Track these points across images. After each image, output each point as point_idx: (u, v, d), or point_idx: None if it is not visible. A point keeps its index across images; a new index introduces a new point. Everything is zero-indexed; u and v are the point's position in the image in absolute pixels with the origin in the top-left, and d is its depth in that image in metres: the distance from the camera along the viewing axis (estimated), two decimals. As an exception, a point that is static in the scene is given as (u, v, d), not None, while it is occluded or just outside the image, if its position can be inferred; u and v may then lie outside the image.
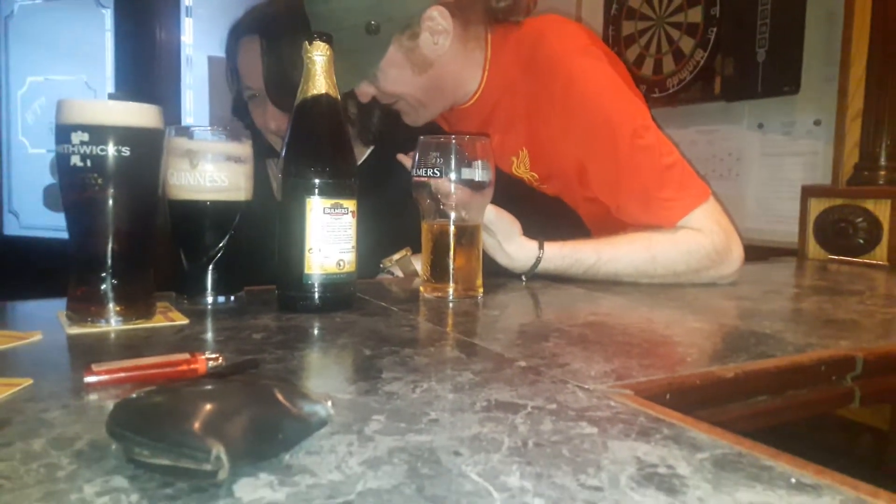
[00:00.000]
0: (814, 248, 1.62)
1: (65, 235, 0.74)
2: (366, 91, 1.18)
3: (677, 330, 0.80)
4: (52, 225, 3.09)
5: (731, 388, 0.61)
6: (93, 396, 0.51)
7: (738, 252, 1.11)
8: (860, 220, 1.56)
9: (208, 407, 0.40)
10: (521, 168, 1.25)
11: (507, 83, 1.21)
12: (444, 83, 1.20)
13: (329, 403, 0.44)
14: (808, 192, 1.66)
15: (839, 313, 0.92)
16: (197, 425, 0.38)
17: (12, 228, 3.39)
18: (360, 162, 1.32)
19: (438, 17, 1.12)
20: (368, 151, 1.34)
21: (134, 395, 0.42)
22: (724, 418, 0.59)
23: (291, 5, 1.21)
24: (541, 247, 1.05)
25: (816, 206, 1.62)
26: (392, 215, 1.11)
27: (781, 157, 2.39)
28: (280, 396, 0.43)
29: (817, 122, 2.26)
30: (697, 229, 1.07)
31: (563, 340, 0.70)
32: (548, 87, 1.14)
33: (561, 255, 1.06)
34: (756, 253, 2.28)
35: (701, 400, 0.59)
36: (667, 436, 0.44)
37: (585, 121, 1.11)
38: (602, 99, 1.11)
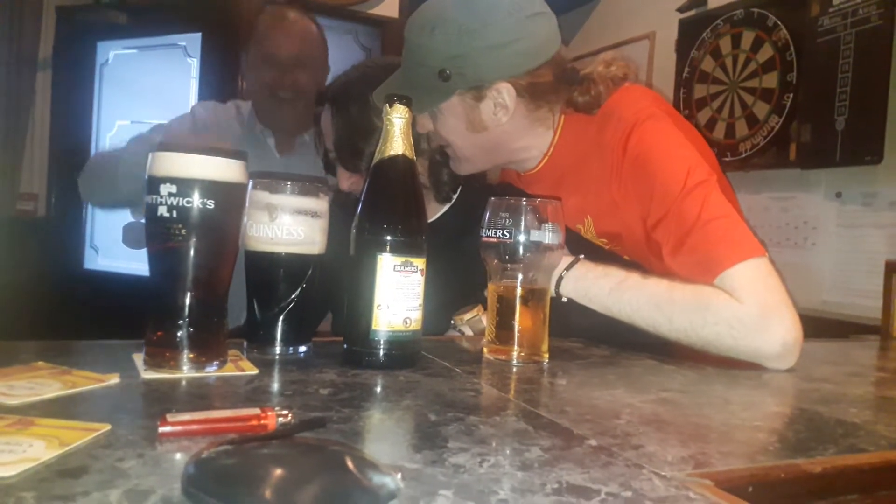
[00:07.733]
0: (899, 328, 1.53)
1: (140, 270, 0.77)
2: (424, 123, 1.23)
3: (756, 413, 0.76)
4: (129, 260, 3.23)
5: (818, 484, 0.57)
6: (166, 447, 0.51)
7: (779, 331, 0.95)
8: (951, 300, 1.47)
9: (281, 473, 0.39)
10: (589, 234, 1.24)
11: (577, 154, 1.21)
12: (495, 148, 1.22)
13: (398, 476, 0.44)
14: (892, 268, 1.57)
15: (933, 404, 0.86)
16: (269, 493, 0.38)
17: (92, 262, 3.57)
18: (435, 218, 1.35)
19: (504, 94, 1.15)
20: (445, 208, 1.37)
21: (207, 455, 0.42)
22: (810, 516, 0.55)
23: (362, 75, 1.31)
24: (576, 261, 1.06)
25: (902, 284, 1.53)
26: (465, 274, 1.11)
27: (862, 228, 2.29)
28: (351, 465, 0.42)
29: (902, 194, 2.17)
30: (729, 291, 0.98)
31: (636, 418, 0.67)
32: (612, 153, 1.14)
33: (594, 267, 1.06)
34: (835, 329, 2.17)
35: (786, 494, 0.55)
36: (754, 538, 0.41)
37: (641, 179, 1.11)
38: (656, 156, 1.10)
